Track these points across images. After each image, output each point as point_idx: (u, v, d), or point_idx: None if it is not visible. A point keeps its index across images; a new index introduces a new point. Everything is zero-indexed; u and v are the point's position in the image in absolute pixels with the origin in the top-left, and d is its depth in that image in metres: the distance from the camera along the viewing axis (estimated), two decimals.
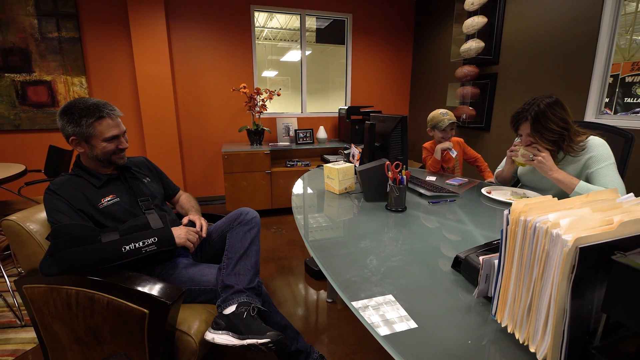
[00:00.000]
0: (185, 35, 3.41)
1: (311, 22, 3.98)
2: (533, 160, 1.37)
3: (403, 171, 1.30)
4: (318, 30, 4.06)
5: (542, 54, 2.57)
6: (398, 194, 1.30)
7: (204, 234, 1.31)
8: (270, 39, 3.97)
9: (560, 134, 1.32)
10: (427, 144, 2.26)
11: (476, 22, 2.94)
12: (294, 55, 4.01)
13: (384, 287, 0.78)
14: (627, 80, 2.06)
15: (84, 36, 3.15)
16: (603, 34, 2.16)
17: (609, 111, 2.25)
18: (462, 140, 2.28)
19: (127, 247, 1.07)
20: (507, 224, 0.58)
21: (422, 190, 1.53)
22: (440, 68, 3.74)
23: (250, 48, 3.63)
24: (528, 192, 1.53)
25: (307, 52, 4.02)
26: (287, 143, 3.61)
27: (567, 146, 1.34)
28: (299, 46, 3.93)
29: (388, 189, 1.33)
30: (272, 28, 3.97)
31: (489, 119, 3.10)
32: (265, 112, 3.56)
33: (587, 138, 1.34)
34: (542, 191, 1.53)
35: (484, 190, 1.54)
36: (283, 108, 4.05)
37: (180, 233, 1.20)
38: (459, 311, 0.69)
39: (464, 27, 3.06)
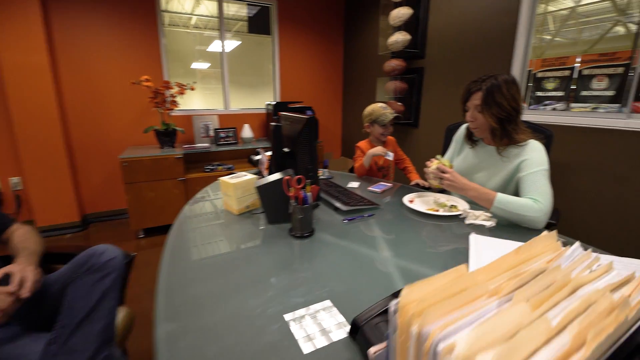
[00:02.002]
0: (71, 18, 2.79)
1: (240, 10, 3.57)
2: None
3: (308, 187, 1.04)
4: (250, 19, 3.67)
5: (465, 47, 2.51)
6: (302, 215, 1.04)
7: (25, 293, 0.90)
8: (200, 27, 3.50)
9: (508, 114, 1.21)
10: (361, 143, 2.00)
11: (402, 13, 2.81)
12: (219, 45, 3.58)
13: None
14: (538, 76, 2.15)
15: None
16: (521, 25, 2.13)
17: (524, 104, 2.26)
18: (394, 140, 2.10)
19: None
20: (394, 330, 0.33)
21: (337, 204, 1.29)
22: (369, 61, 3.60)
23: (156, 34, 3.11)
24: (454, 199, 1.38)
25: (237, 43, 3.62)
26: (206, 144, 3.19)
27: (512, 129, 1.24)
28: (228, 35, 3.52)
29: (290, 210, 1.06)
30: (201, 15, 3.49)
31: (417, 114, 3.01)
32: (177, 109, 3.09)
33: (528, 139, 1.25)
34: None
35: (405, 200, 1.36)
36: (212, 104, 3.61)
37: None
38: None
39: (390, 19, 2.91)
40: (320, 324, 0.65)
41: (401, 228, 1.16)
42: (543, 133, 1.55)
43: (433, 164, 1.29)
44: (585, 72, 1.91)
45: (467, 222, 1.17)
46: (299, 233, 1.06)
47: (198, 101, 3.57)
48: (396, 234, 1.10)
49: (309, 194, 1.04)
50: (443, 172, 1.25)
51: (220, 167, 3.03)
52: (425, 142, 3.00)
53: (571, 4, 2.03)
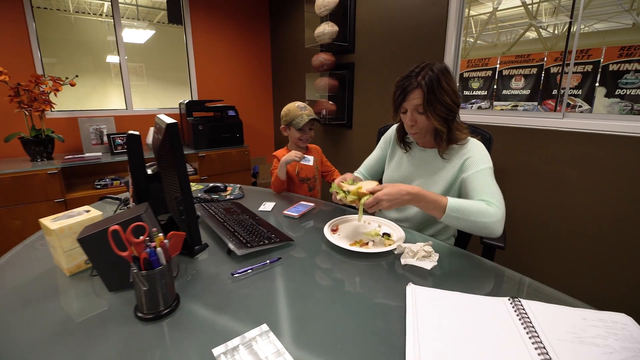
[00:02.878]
0: None
1: None
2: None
3: (158, 239, 0.65)
4: (170, 9, 3.11)
5: (396, 41, 2.28)
6: (147, 287, 0.64)
7: None
8: (123, 17, 2.88)
9: (451, 110, 1.02)
10: (278, 152, 1.64)
11: (327, 1, 2.50)
12: (131, 35, 2.98)
13: None
14: (464, 76, 2.19)
15: None
16: (451, 22, 1.95)
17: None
18: (319, 148, 1.75)
19: None
20: None
21: (231, 245, 0.91)
22: (298, 55, 3.25)
23: (23, 17, 2.41)
24: (386, 222, 1.08)
25: (149, 33, 3.05)
26: (99, 153, 2.56)
27: (455, 128, 1.06)
28: (144, 24, 2.97)
29: (131, 278, 0.65)
30: (126, 4, 2.86)
31: (350, 114, 2.74)
32: (59, 110, 2.43)
33: (468, 137, 1.09)
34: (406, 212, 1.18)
35: (327, 231, 1.02)
36: (112, 103, 2.98)
37: None
38: None
39: (316, 7, 2.59)
40: None
41: (316, 279, 0.81)
42: (482, 135, 1.34)
43: (349, 196, 0.96)
44: (505, 72, 2.00)
45: (404, 262, 0.86)
46: (145, 314, 0.65)
47: (117, 99, 2.91)
48: (307, 292, 0.75)
49: (159, 250, 0.64)
50: (373, 199, 0.91)
51: (116, 181, 2.44)
52: (359, 145, 2.75)
53: (490, 9, 2.19)
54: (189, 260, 0.89)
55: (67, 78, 2.30)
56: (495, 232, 0.91)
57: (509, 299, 0.72)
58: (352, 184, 1.00)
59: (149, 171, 0.95)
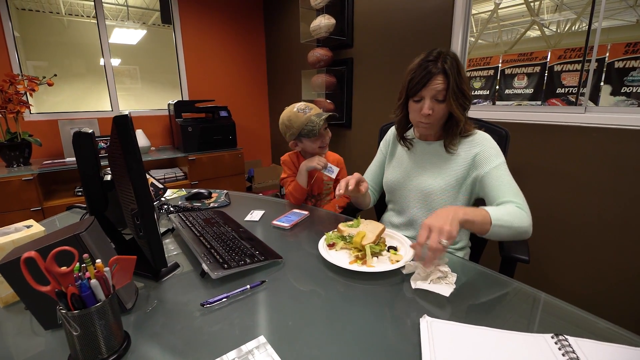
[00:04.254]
0: None
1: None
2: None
3: (91, 268, 0.49)
4: (162, 10, 2.99)
5: (397, 35, 2.13)
6: (79, 332, 0.48)
7: None
8: (117, 19, 2.82)
9: (468, 99, 0.94)
10: (286, 157, 1.40)
11: None
12: (122, 36, 2.85)
13: None
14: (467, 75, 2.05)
15: None
16: (458, 8, 1.80)
17: None
18: (342, 159, 1.45)
19: None
20: None
21: (205, 266, 0.75)
22: (293, 52, 3.10)
23: None
24: (392, 233, 0.93)
25: (141, 33, 2.97)
26: None
27: (466, 120, 0.99)
28: (136, 25, 2.87)
29: (59, 320, 0.49)
30: (114, 4, 2.75)
31: (350, 113, 2.59)
32: (38, 112, 2.28)
33: (475, 129, 1.01)
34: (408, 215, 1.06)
35: (322, 246, 0.86)
36: (127, 105, 2.84)
37: None
38: None
39: (311, 0, 2.45)
40: None
41: (307, 309, 0.65)
42: (497, 134, 1.19)
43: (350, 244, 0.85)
44: (507, 71, 1.95)
45: (414, 285, 0.71)
46: None
47: (66, 102, 2.77)
48: (296, 326, 0.59)
49: (94, 283, 0.48)
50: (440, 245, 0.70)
51: None
52: (359, 146, 2.59)
53: (491, 7, 2.15)
54: (154, 284, 0.74)
55: (44, 77, 2.14)
56: (527, 236, 0.87)
57: (552, 337, 0.56)
58: (356, 225, 0.91)
59: (108, 177, 0.80)
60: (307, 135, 1.23)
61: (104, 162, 0.76)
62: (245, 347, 0.54)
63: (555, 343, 0.55)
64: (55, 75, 2.21)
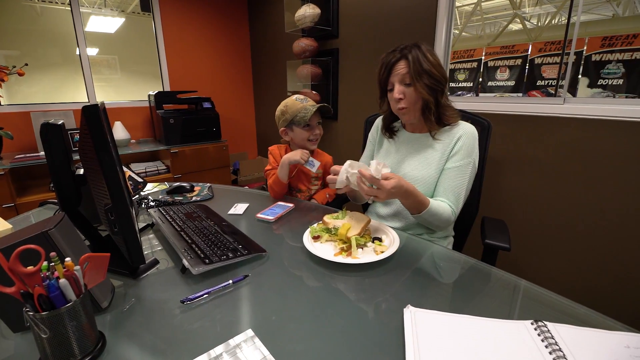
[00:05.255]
0: None
1: None
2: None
3: (60, 267, 0.46)
4: None
5: (383, 25, 2.11)
6: (47, 334, 0.46)
7: None
8: (94, 6, 2.67)
9: (437, 80, 0.97)
10: (274, 147, 1.38)
11: None
12: (99, 24, 2.74)
13: None
14: (451, 67, 2.12)
15: None
16: (442, 0, 1.79)
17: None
18: (330, 159, 1.39)
19: None
20: None
21: (186, 262, 0.73)
22: (278, 42, 3.04)
23: None
24: (377, 225, 0.93)
25: (120, 21, 2.85)
26: None
27: (445, 104, 1.01)
28: (115, 12, 2.77)
29: (26, 322, 0.47)
30: None
31: (336, 104, 2.57)
32: (8, 104, 2.17)
33: (458, 119, 1.04)
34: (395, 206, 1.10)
35: (306, 239, 0.85)
36: (106, 96, 2.73)
37: None
38: None
39: None
40: None
41: (291, 303, 0.64)
42: (480, 124, 1.21)
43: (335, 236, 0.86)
44: (490, 63, 1.98)
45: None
46: None
47: (41, 93, 2.65)
48: (279, 322, 0.58)
49: (62, 282, 0.46)
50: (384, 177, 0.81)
51: None
52: (346, 138, 2.58)
53: (475, 0, 2.18)
54: (132, 282, 0.71)
55: (14, 67, 2.04)
56: (440, 230, 1.04)
57: (531, 323, 0.57)
58: (342, 217, 0.90)
59: (81, 171, 0.76)
60: (299, 122, 1.25)
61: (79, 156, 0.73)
62: (232, 341, 0.53)
63: (535, 329, 0.56)
64: (27, 64, 2.11)
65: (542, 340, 0.53)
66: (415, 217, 0.95)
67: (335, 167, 0.89)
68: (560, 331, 0.55)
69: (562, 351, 0.51)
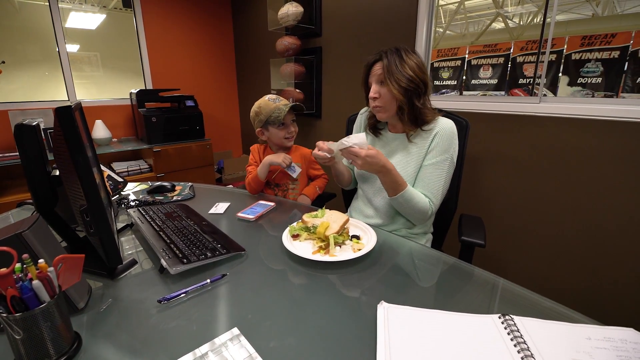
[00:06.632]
0: None
1: None
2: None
3: (33, 269, 0.46)
4: None
5: (365, 22, 2.13)
6: (21, 335, 0.46)
7: None
8: (74, 2, 2.58)
9: (416, 85, 0.99)
10: (255, 146, 1.42)
11: None
12: (80, 20, 2.67)
13: None
14: (435, 66, 2.15)
15: None
16: (422, 3, 1.82)
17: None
18: (309, 152, 1.41)
19: None
20: None
21: (164, 262, 0.73)
22: (262, 40, 3.03)
23: None
24: (356, 223, 0.94)
25: (101, 17, 2.77)
26: None
27: (422, 106, 1.02)
28: (95, 8, 2.69)
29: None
30: None
31: (319, 102, 2.58)
32: None
33: (436, 118, 1.06)
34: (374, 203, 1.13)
35: (286, 238, 0.86)
36: (87, 94, 2.64)
37: None
38: None
39: None
40: None
41: (268, 301, 0.65)
42: (458, 123, 1.23)
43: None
44: (474, 62, 1.99)
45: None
46: None
47: (31, 91, 2.56)
48: (255, 319, 0.59)
49: (36, 284, 0.46)
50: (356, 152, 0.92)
51: None
52: (330, 136, 2.59)
53: None
54: (110, 283, 0.71)
55: None
56: (421, 222, 1.08)
57: (499, 317, 0.60)
58: (320, 216, 0.92)
59: (57, 172, 0.75)
60: (273, 122, 1.27)
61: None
62: (218, 340, 0.54)
63: (502, 323, 0.59)
64: (4, 62, 2.04)
65: (509, 334, 0.56)
66: (392, 200, 1.00)
67: (319, 142, 1.00)
68: (526, 324, 0.58)
69: (526, 344, 0.54)
